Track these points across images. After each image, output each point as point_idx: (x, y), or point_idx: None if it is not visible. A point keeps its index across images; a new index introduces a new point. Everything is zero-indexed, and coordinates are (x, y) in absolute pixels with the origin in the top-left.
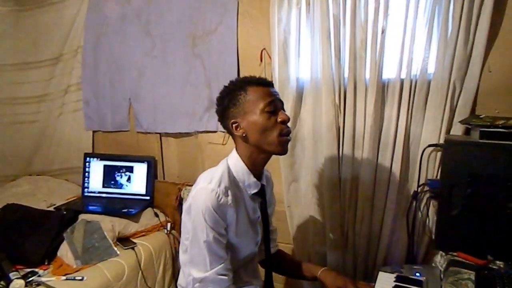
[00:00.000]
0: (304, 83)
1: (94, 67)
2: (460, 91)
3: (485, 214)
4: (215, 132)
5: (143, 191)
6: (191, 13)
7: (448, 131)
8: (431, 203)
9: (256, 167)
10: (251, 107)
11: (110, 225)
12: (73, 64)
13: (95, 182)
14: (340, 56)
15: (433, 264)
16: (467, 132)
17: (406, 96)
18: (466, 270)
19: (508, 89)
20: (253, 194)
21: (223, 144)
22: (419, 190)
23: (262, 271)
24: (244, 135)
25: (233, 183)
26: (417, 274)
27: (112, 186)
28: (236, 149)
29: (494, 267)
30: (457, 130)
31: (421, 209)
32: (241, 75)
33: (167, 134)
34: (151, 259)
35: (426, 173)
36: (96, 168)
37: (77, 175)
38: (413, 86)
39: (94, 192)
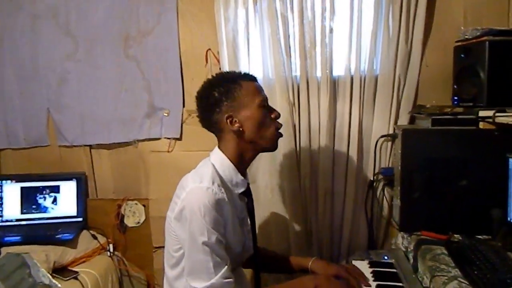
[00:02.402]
0: None
1: None
2: (404, 85)
3: (441, 193)
4: (158, 139)
5: (74, 212)
6: (120, 12)
7: (395, 121)
8: (385, 190)
9: (243, 165)
10: (247, 101)
11: (44, 255)
12: None
13: (11, 208)
14: (290, 54)
15: (392, 247)
16: (411, 121)
17: (356, 91)
18: (436, 246)
19: (442, 81)
20: (240, 193)
21: (168, 152)
22: (374, 179)
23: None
24: (240, 129)
25: (222, 181)
26: (385, 257)
27: (33, 211)
28: (220, 147)
29: (455, 240)
30: (403, 120)
31: (378, 196)
32: (185, 78)
33: (99, 146)
34: (97, 286)
35: (379, 162)
36: (11, 192)
37: None
38: (362, 82)
39: (10, 221)
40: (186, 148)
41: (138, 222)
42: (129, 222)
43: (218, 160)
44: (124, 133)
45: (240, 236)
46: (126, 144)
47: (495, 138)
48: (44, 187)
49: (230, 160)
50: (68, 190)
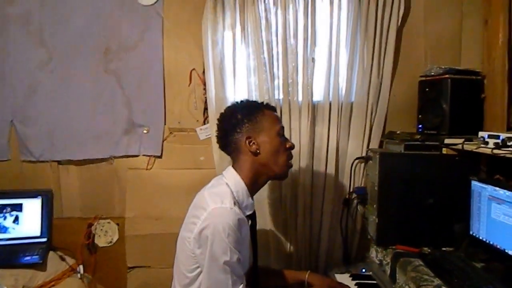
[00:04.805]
0: None
1: None
2: (376, 112)
3: (413, 210)
4: (136, 156)
5: (37, 233)
6: (100, 24)
7: (368, 145)
8: (358, 208)
9: (255, 189)
10: (267, 127)
11: (13, 279)
12: None
13: None
14: (274, 79)
15: (367, 260)
16: (380, 145)
17: (334, 116)
18: (413, 258)
19: (406, 110)
20: (247, 216)
21: (147, 169)
22: (348, 197)
23: None
24: (257, 151)
25: (238, 203)
26: (363, 270)
27: None
28: (234, 167)
29: (427, 252)
30: (374, 144)
31: (351, 213)
32: (167, 95)
33: (68, 162)
34: None
35: (354, 182)
36: None
37: None
38: (339, 108)
39: None
40: (166, 166)
41: (111, 242)
42: (100, 242)
43: (233, 180)
44: (98, 149)
45: (246, 256)
46: (99, 160)
47: (456, 162)
48: (5, 205)
49: (244, 181)
50: (32, 208)
